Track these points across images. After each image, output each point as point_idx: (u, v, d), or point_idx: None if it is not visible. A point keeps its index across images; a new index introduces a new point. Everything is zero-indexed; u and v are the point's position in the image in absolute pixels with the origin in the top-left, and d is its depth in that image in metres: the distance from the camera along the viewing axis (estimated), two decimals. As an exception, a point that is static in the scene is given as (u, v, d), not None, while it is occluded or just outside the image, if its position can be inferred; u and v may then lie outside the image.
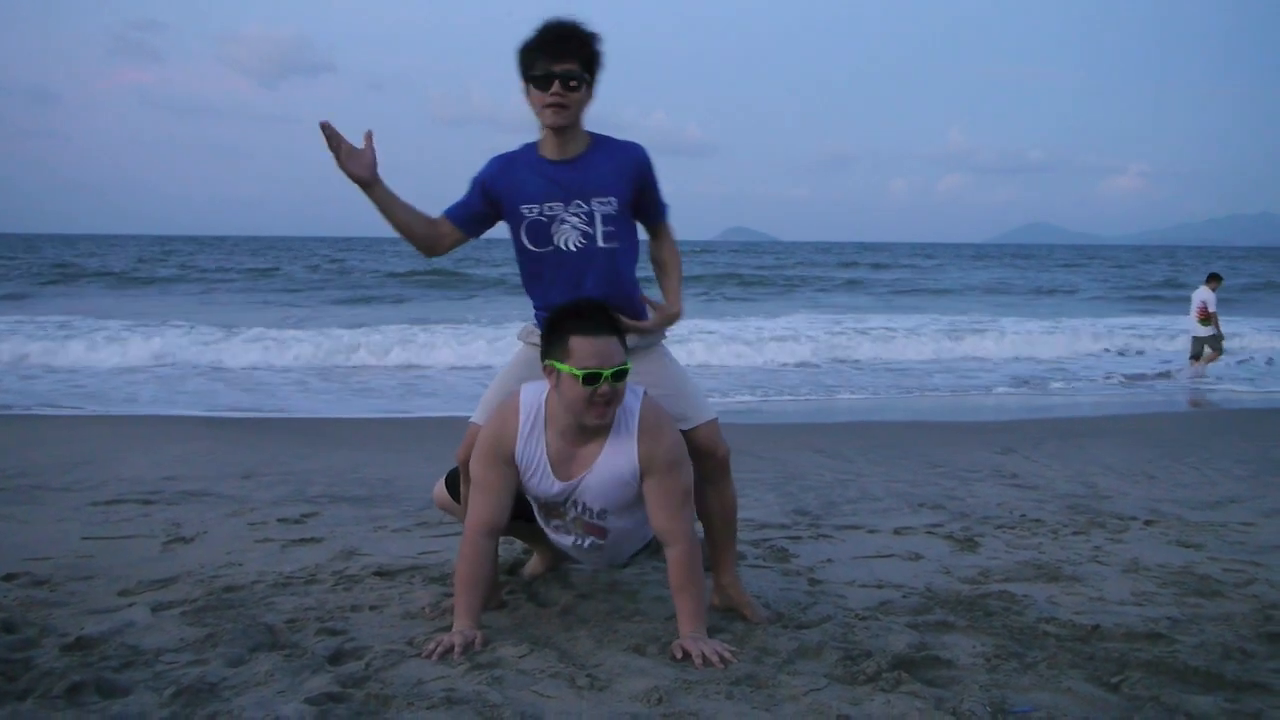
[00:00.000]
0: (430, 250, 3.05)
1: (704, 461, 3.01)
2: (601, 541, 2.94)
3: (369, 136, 2.88)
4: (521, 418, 2.80)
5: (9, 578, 3.36)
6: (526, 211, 2.94)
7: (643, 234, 3.12)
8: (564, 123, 2.86)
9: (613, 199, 2.93)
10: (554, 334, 2.69)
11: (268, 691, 2.36)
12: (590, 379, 2.63)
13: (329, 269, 37.61)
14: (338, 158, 2.84)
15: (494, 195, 2.99)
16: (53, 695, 2.31)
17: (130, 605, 3.06)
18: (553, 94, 2.82)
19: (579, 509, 2.86)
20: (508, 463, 2.81)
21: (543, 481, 2.82)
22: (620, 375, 2.68)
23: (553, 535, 3.00)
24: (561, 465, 2.80)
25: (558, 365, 2.68)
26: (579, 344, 2.64)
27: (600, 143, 2.99)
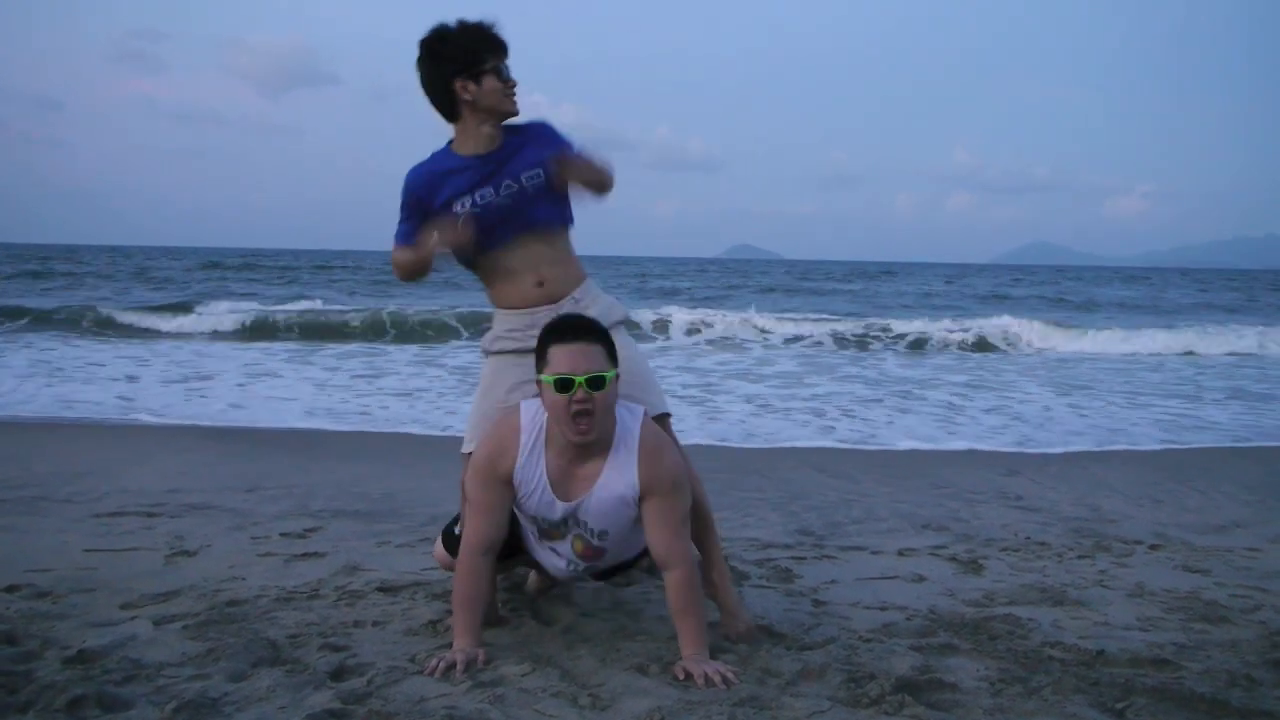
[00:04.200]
0: (413, 279, 3.15)
1: None
2: (597, 563, 2.95)
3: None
4: (522, 438, 2.80)
5: (11, 589, 3.36)
6: (459, 207, 3.01)
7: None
8: (495, 140, 3.03)
9: (539, 171, 3.03)
10: (539, 350, 2.72)
11: (269, 707, 2.36)
12: (562, 385, 2.64)
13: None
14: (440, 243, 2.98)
15: (425, 206, 3.06)
16: (54, 709, 2.30)
17: (132, 619, 3.06)
18: (510, 83, 3.01)
19: (581, 528, 2.85)
20: (504, 483, 2.81)
21: (542, 501, 2.81)
22: (596, 383, 2.65)
23: (545, 559, 3.01)
24: (561, 485, 2.79)
25: (540, 377, 2.71)
26: (555, 352, 2.67)
27: (509, 129, 3.10)
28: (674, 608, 2.76)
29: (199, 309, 20.12)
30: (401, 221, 3.10)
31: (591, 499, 2.79)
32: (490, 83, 2.98)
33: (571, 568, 2.97)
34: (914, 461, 6.90)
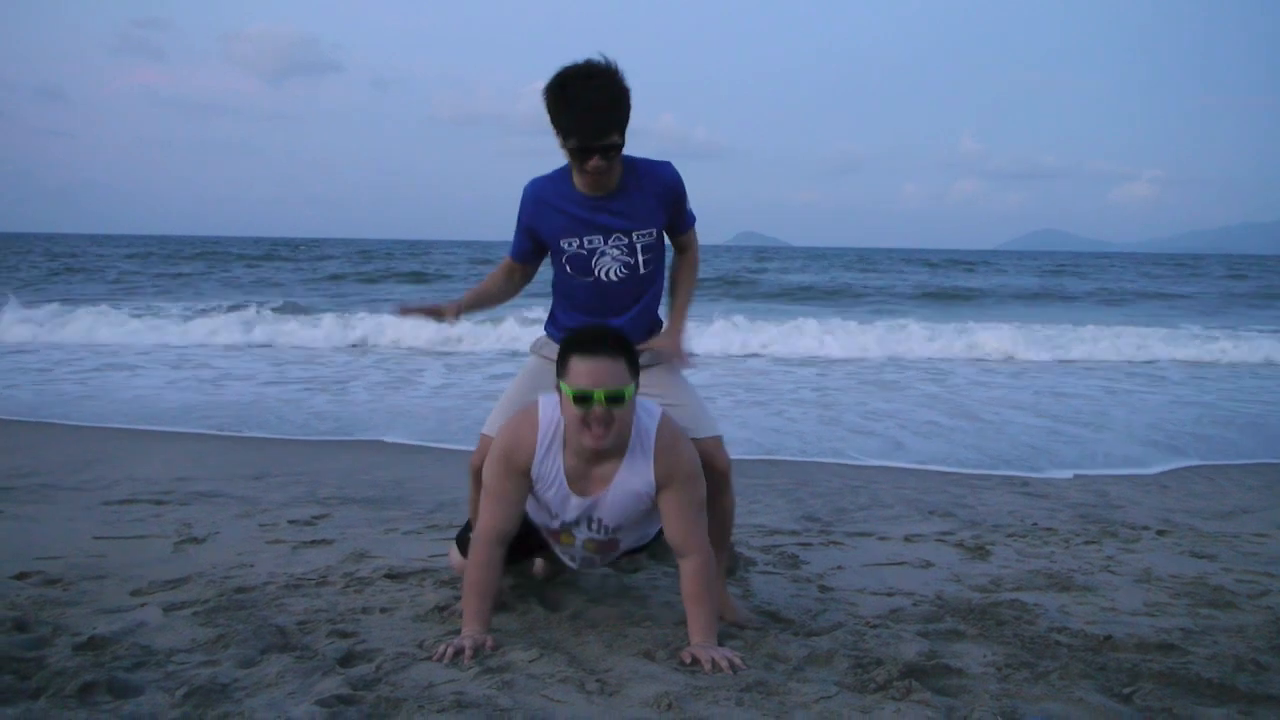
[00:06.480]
0: (517, 293, 3.26)
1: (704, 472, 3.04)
2: (608, 555, 2.98)
3: (420, 312, 3.09)
4: (540, 432, 2.79)
5: (22, 576, 3.38)
6: (566, 245, 3.00)
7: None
8: (606, 187, 2.94)
9: (653, 230, 3.01)
10: (561, 356, 2.71)
11: (279, 693, 2.37)
12: (581, 399, 2.63)
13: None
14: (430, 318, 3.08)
15: (534, 233, 3.05)
16: (65, 694, 2.31)
17: (142, 605, 3.07)
18: (592, 166, 2.84)
19: (593, 528, 2.87)
20: (521, 473, 2.81)
21: (557, 496, 2.82)
22: (615, 399, 2.63)
23: (558, 552, 3.05)
24: (578, 482, 2.80)
25: (560, 385, 2.70)
26: (576, 364, 2.65)
27: (632, 169, 2.98)
28: (686, 594, 2.77)
29: None
30: (516, 233, 3.11)
31: (607, 496, 2.80)
32: (595, 163, 2.84)
33: (587, 563, 3.02)
34: (919, 452, 6.89)
